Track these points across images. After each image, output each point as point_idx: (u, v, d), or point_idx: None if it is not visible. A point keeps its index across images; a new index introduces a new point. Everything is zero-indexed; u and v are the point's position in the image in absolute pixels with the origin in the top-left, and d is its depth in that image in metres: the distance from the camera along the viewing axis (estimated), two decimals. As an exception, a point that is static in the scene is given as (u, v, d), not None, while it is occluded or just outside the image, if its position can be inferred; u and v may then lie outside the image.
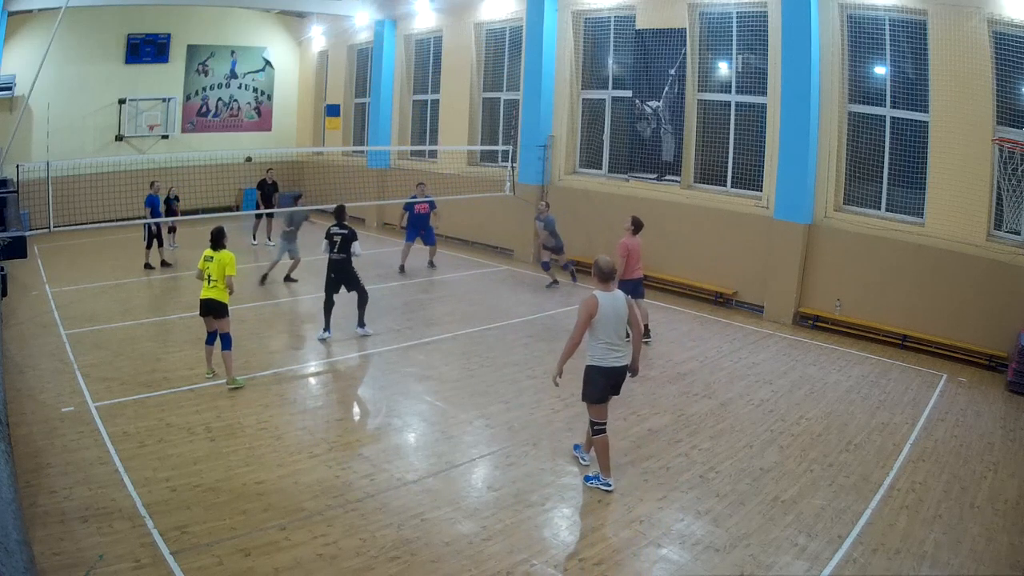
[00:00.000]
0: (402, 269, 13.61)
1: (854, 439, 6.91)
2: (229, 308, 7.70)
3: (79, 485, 5.42)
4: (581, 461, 6.14)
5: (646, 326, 9.23)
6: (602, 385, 5.68)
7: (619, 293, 5.73)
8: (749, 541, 5.05)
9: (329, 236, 9.29)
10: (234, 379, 7.53)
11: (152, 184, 13.31)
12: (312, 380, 8.16)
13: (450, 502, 5.47)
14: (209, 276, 7.59)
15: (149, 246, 13.22)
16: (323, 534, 4.95)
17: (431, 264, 14.14)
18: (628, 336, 5.78)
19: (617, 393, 5.86)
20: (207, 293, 7.63)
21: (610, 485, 5.75)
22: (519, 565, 4.70)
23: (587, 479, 5.87)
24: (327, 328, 9.37)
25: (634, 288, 9.23)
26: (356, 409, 7.40)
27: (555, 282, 12.81)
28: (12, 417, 6.42)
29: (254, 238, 16.21)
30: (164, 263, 13.46)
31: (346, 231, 9.27)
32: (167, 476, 5.62)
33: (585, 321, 5.55)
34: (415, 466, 6.06)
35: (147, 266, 13.18)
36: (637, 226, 9.32)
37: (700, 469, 6.15)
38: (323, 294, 9.37)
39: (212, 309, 7.63)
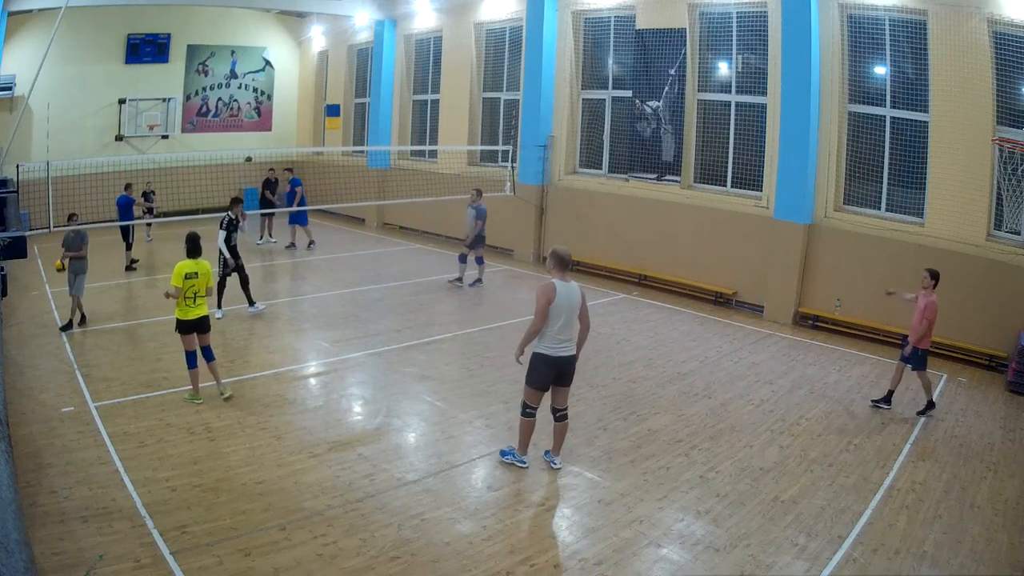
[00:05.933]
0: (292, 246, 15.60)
1: (854, 439, 6.91)
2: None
3: (79, 485, 5.42)
4: (552, 466, 6.09)
5: (931, 401, 7.64)
6: (545, 373, 5.79)
7: (574, 284, 5.83)
8: (749, 541, 5.05)
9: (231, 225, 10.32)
10: (227, 387, 7.33)
11: (126, 186, 13.38)
12: (312, 380, 8.16)
13: (450, 502, 5.47)
14: (196, 294, 7.04)
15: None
16: (323, 534, 4.95)
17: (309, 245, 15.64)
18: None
19: (564, 384, 5.91)
20: (197, 312, 7.07)
21: (524, 463, 6.01)
22: (519, 565, 4.70)
23: (502, 453, 6.17)
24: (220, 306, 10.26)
25: (923, 357, 7.58)
26: (356, 409, 7.38)
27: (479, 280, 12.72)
28: (12, 417, 6.42)
29: (261, 237, 16.23)
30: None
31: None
32: (167, 476, 5.62)
33: (544, 308, 5.67)
34: (415, 466, 6.06)
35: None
36: (938, 280, 7.69)
37: (700, 469, 6.15)
38: (224, 279, 10.26)
39: (200, 326, 7.14)
